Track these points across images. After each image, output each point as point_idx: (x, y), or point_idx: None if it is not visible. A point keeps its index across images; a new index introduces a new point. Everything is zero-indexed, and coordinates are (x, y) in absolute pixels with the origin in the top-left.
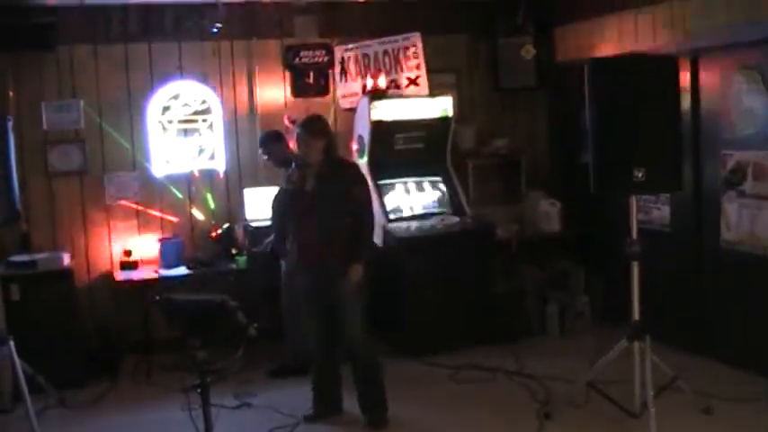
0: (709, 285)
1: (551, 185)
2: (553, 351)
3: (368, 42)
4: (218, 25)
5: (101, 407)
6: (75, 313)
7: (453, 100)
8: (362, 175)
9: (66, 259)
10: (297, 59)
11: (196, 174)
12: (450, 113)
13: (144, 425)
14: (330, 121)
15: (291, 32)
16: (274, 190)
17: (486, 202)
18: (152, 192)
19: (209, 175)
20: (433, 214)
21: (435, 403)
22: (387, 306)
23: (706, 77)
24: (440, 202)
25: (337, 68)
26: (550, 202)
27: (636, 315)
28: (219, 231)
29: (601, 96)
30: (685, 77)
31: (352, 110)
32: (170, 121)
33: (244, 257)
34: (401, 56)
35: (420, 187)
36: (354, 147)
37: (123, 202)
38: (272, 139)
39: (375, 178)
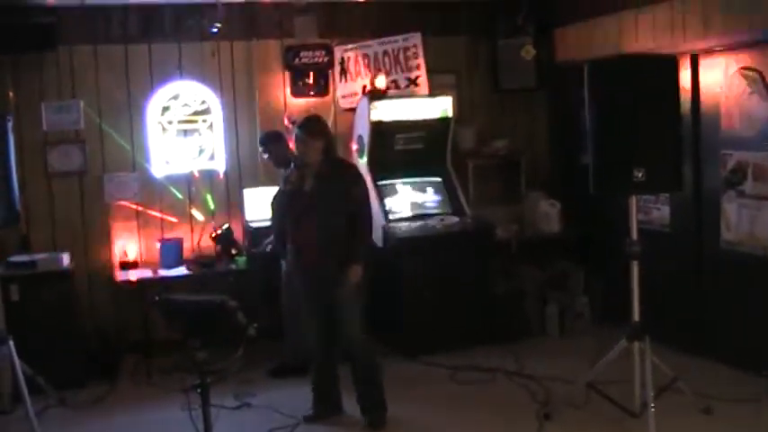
0: (709, 286)
1: (551, 186)
2: (553, 351)
3: (368, 43)
4: (218, 25)
5: (101, 407)
6: (74, 314)
7: (453, 101)
8: (361, 176)
9: (66, 260)
10: (297, 60)
11: (196, 174)
12: (450, 114)
13: (144, 425)
14: (330, 121)
15: (291, 33)
16: (274, 190)
17: (486, 203)
18: (152, 192)
19: (208, 175)
20: (432, 214)
21: (434, 404)
22: (386, 306)
23: (706, 77)
24: (439, 202)
25: (337, 69)
26: (550, 203)
27: (636, 315)
28: (219, 232)
29: (600, 97)
30: (685, 78)
31: (352, 110)
32: (170, 122)
33: (243, 258)
34: (401, 56)
35: (420, 187)
36: (354, 147)
37: (123, 203)
38: (273, 139)
39: (375, 178)
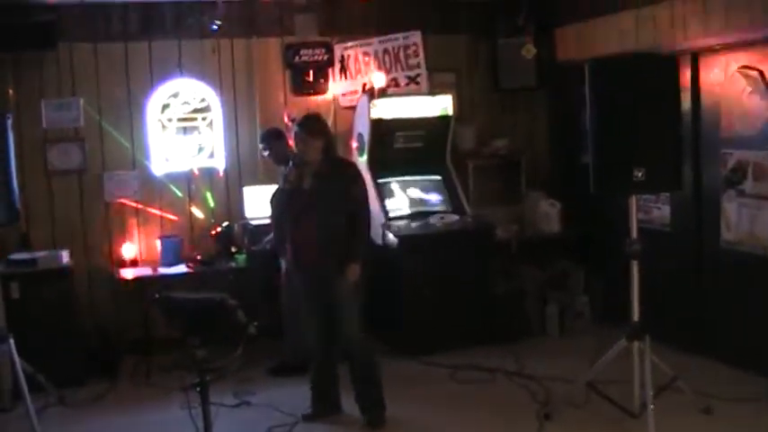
0: (710, 285)
1: (551, 186)
2: (553, 351)
3: (368, 41)
4: (218, 22)
5: (101, 405)
6: (74, 311)
7: (453, 99)
8: (361, 175)
9: (66, 257)
10: (297, 58)
11: (196, 172)
12: (450, 112)
13: (143, 423)
14: (330, 119)
15: (291, 31)
16: (273, 188)
17: (486, 203)
18: (152, 190)
19: (208, 173)
20: (432, 213)
21: (434, 403)
22: (385, 305)
23: (706, 77)
24: (439, 200)
25: (337, 67)
26: (550, 203)
27: (635, 315)
28: (219, 229)
29: (601, 96)
30: (685, 77)
31: (352, 108)
32: (170, 120)
33: (243, 256)
34: (401, 54)
35: (420, 186)
36: (354, 145)
37: (123, 201)
38: (274, 137)
39: (375, 176)
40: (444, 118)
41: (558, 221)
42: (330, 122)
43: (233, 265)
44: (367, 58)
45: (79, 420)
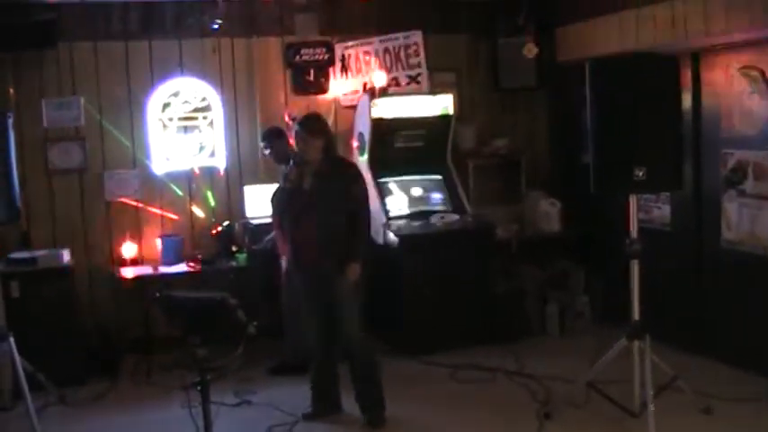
0: (710, 285)
1: (551, 185)
2: (553, 351)
3: (369, 40)
4: (219, 21)
5: (101, 404)
6: (75, 310)
7: (453, 99)
8: (361, 175)
9: (67, 256)
10: (297, 57)
11: (196, 171)
12: (451, 111)
13: (144, 423)
14: (330, 118)
15: (292, 30)
16: (274, 187)
17: (486, 202)
18: (152, 189)
19: (209, 172)
20: (432, 212)
21: (434, 402)
22: (385, 304)
23: (706, 77)
24: (440, 200)
25: (338, 66)
26: (550, 202)
27: (636, 315)
28: (220, 229)
29: (601, 96)
30: (686, 77)
31: (353, 107)
32: (170, 119)
33: (244, 255)
34: (402, 53)
35: (420, 185)
36: (355, 144)
37: (123, 200)
38: (275, 135)
39: (375, 176)
40: (445, 117)
41: (559, 221)
42: (331, 122)
43: (233, 264)
44: (368, 58)
45: (80, 419)
